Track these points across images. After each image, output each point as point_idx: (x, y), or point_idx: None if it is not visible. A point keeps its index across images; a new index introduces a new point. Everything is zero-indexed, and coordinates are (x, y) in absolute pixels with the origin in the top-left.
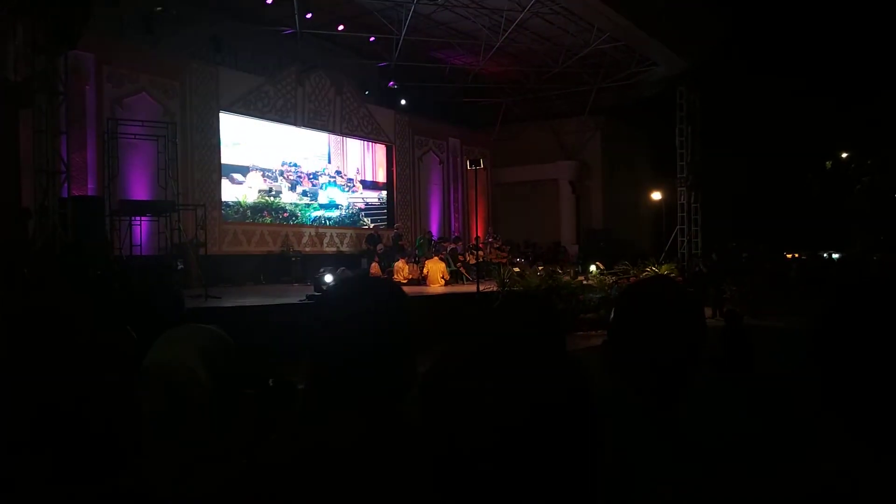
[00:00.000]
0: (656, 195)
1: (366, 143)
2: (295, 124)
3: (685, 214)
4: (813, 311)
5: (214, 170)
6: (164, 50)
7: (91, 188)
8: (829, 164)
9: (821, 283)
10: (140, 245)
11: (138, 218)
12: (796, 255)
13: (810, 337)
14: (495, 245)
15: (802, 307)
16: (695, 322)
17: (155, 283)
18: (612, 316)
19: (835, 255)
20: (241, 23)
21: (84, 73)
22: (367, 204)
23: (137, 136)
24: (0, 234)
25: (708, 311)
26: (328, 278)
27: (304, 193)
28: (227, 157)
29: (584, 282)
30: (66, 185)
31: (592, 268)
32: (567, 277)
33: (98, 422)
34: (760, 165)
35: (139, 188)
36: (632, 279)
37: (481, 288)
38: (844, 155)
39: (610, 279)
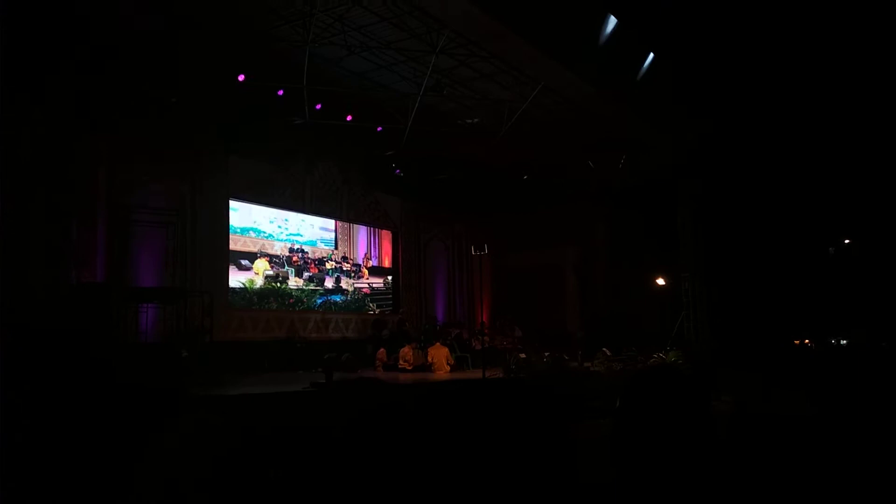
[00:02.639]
0: (661, 281)
1: (372, 229)
2: (303, 212)
3: (689, 300)
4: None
5: (222, 257)
6: (176, 139)
7: (100, 274)
8: (831, 250)
9: (830, 370)
10: (146, 332)
11: (145, 305)
12: (805, 342)
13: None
14: (507, 330)
15: (811, 393)
16: (700, 412)
17: (158, 371)
18: (617, 404)
19: (843, 342)
20: (252, 113)
21: (97, 160)
22: (372, 289)
23: (147, 224)
24: (7, 318)
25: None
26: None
27: (311, 279)
28: (234, 244)
29: (591, 368)
30: (74, 270)
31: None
32: (574, 363)
33: None
34: (766, 251)
35: (147, 275)
36: (639, 366)
37: (487, 374)
38: (847, 241)
39: (617, 366)
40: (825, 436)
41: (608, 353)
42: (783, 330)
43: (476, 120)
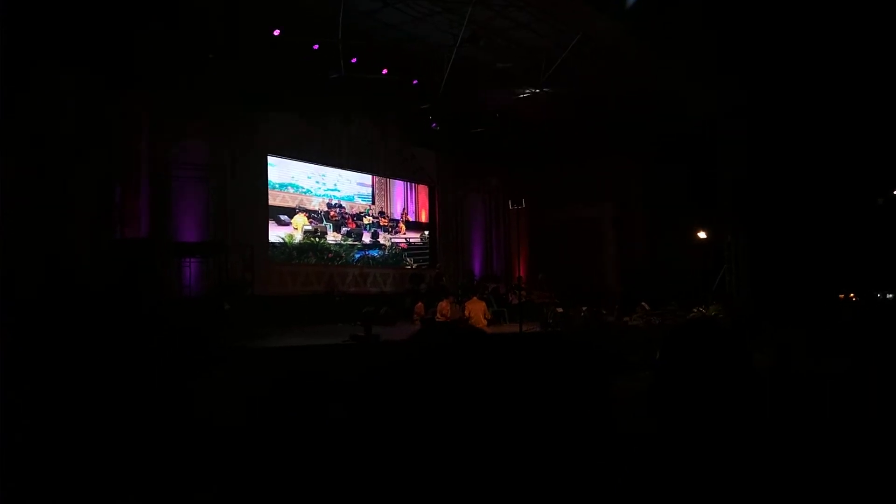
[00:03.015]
0: (702, 234)
1: (409, 184)
2: (340, 167)
3: (731, 254)
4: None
5: (262, 212)
6: (213, 96)
7: (143, 230)
8: (880, 201)
9: (876, 325)
10: (189, 286)
11: (188, 259)
12: (850, 296)
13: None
14: (545, 286)
15: (856, 349)
16: (741, 367)
17: (201, 323)
18: (657, 357)
19: (889, 296)
20: (288, 68)
21: (137, 120)
22: (409, 244)
23: (187, 179)
24: (48, 281)
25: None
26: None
27: (349, 234)
28: (273, 199)
29: (630, 322)
30: (118, 227)
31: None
32: (612, 318)
33: None
34: (811, 202)
35: (188, 231)
36: (678, 320)
37: (524, 329)
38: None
39: (656, 320)
40: (863, 389)
41: (647, 308)
42: (827, 284)
43: (509, 65)
